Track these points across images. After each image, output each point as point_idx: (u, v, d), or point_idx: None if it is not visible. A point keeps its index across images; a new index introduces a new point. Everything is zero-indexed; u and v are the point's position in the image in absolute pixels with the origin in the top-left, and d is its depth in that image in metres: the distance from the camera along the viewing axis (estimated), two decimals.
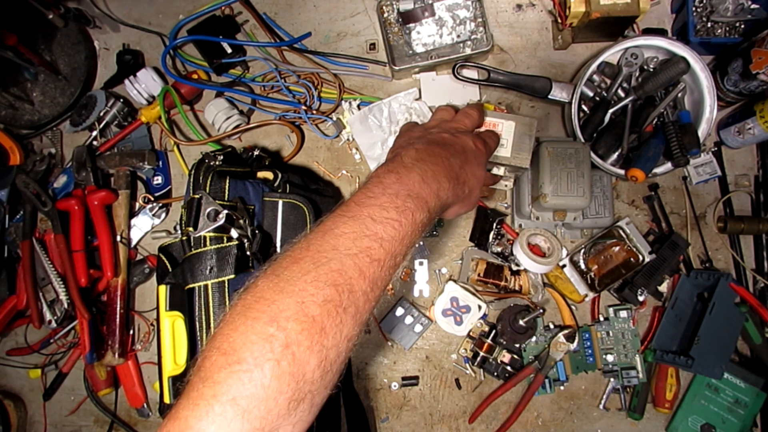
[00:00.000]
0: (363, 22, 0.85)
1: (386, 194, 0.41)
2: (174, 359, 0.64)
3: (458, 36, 0.77)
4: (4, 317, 0.78)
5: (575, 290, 0.75)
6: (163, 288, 0.66)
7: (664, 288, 0.76)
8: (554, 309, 0.78)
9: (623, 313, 0.76)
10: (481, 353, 0.75)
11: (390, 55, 0.78)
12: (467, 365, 0.78)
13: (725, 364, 0.71)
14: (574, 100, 0.73)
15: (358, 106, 0.80)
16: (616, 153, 0.75)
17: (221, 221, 0.60)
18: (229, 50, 0.81)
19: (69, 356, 0.82)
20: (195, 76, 0.82)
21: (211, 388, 0.32)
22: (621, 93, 0.75)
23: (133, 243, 0.82)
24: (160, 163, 0.83)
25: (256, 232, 0.64)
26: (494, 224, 0.76)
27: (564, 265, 0.75)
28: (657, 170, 0.72)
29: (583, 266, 0.75)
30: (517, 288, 0.76)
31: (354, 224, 0.39)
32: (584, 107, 0.77)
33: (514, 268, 0.76)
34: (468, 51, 0.77)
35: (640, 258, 0.73)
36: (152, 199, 0.83)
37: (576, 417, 0.78)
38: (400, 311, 0.78)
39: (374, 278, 0.38)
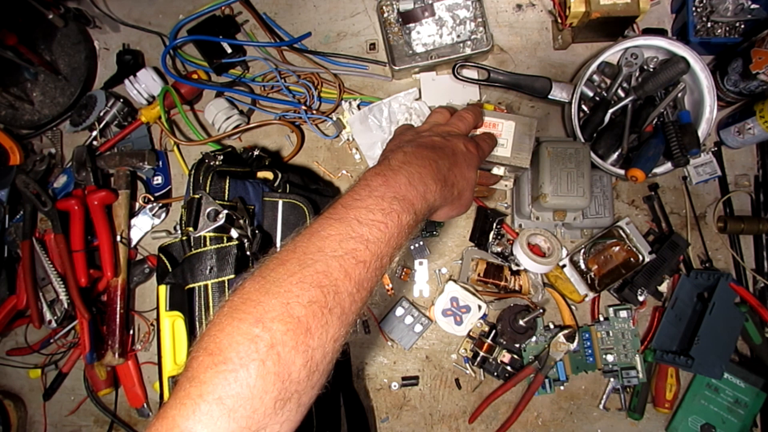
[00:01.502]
0: (363, 22, 0.85)
1: (372, 197, 0.42)
2: (174, 359, 0.64)
3: (458, 36, 0.77)
4: (4, 317, 0.78)
5: (575, 290, 0.75)
6: (163, 288, 0.66)
7: (664, 288, 0.76)
8: (554, 309, 0.78)
9: (623, 313, 0.76)
10: (481, 353, 0.75)
11: (390, 55, 0.78)
12: (467, 365, 0.78)
13: (725, 364, 0.71)
14: (574, 100, 0.73)
15: (358, 106, 0.80)
16: (616, 153, 0.75)
17: (221, 221, 0.60)
18: (229, 50, 0.81)
19: (69, 356, 0.82)
20: (195, 76, 0.82)
21: (197, 387, 0.33)
22: (621, 93, 0.75)
23: (133, 243, 0.82)
24: (160, 163, 0.83)
25: (256, 232, 0.64)
26: (494, 224, 0.76)
27: (564, 265, 0.75)
28: (657, 170, 0.72)
29: (583, 266, 0.75)
30: (517, 288, 0.76)
31: (340, 226, 0.40)
32: (584, 107, 0.77)
33: (514, 268, 0.76)
34: (468, 51, 0.77)
35: (640, 258, 0.73)
36: (152, 199, 0.83)
37: (576, 417, 0.78)
38: (400, 311, 0.78)
39: (360, 280, 0.38)
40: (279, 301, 0.35)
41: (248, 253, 0.63)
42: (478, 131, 0.67)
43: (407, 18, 0.78)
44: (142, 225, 0.82)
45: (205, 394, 0.32)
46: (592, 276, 0.74)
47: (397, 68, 0.78)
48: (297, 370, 0.34)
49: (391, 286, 0.80)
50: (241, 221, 0.63)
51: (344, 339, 0.38)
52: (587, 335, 0.76)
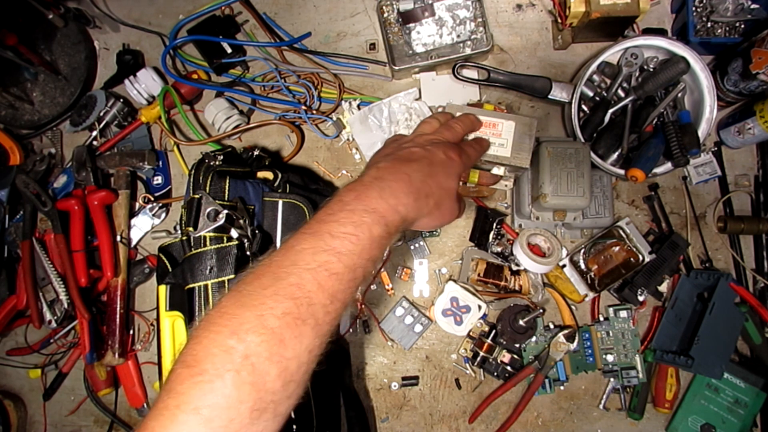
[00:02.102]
0: (363, 22, 0.85)
1: (344, 211, 0.43)
2: (174, 359, 0.64)
3: (458, 36, 0.77)
4: (4, 317, 0.78)
5: (575, 290, 0.75)
6: (163, 288, 0.66)
7: (664, 288, 0.76)
8: (554, 309, 0.78)
9: (623, 313, 0.76)
10: (481, 353, 0.75)
11: (390, 55, 0.78)
12: (467, 365, 0.78)
13: (725, 364, 0.71)
14: (574, 100, 0.73)
15: (358, 106, 0.80)
16: (616, 153, 0.75)
17: (221, 221, 0.60)
18: (229, 50, 0.81)
19: (69, 356, 0.82)
20: (195, 76, 0.82)
21: (174, 398, 0.34)
22: (621, 93, 0.75)
23: (133, 243, 0.82)
24: (160, 163, 0.83)
25: (256, 232, 0.64)
26: (494, 224, 0.76)
27: (564, 265, 0.75)
28: (657, 170, 0.72)
29: (583, 266, 0.75)
30: (517, 288, 0.76)
31: (313, 240, 0.41)
32: (584, 107, 0.77)
33: (514, 268, 0.76)
34: (468, 51, 0.77)
35: (640, 258, 0.73)
36: (152, 199, 0.83)
37: (576, 417, 0.78)
38: (400, 311, 0.78)
39: (333, 291, 0.39)
40: (253, 314, 0.36)
41: (248, 253, 0.63)
42: (477, 133, 0.67)
43: (407, 18, 0.78)
44: (142, 225, 0.82)
45: (183, 405, 0.33)
46: (592, 276, 0.74)
47: (397, 68, 0.78)
48: (272, 380, 0.35)
49: (391, 286, 0.80)
50: (241, 221, 0.63)
51: (320, 350, 0.39)
52: (587, 335, 0.76)
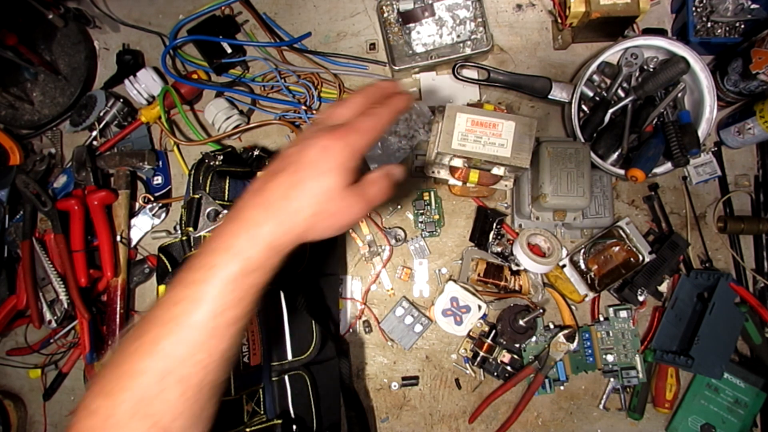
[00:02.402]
0: (363, 22, 0.85)
1: (202, 254, 0.40)
2: None
3: (458, 36, 0.77)
4: (4, 317, 0.78)
5: (575, 290, 0.75)
6: (163, 288, 0.66)
7: (664, 288, 0.76)
8: (554, 309, 0.78)
9: (623, 313, 0.76)
10: (481, 353, 0.75)
11: (390, 55, 0.78)
12: (467, 365, 0.78)
13: (725, 364, 0.71)
14: (574, 100, 0.73)
15: None
16: (616, 153, 0.75)
17: (221, 221, 0.60)
18: (229, 50, 0.81)
19: (69, 356, 0.82)
20: (195, 76, 0.82)
21: None
22: (621, 93, 0.75)
23: (133, 243, 0.82)
24: (160, 163, 0.83)
25: None
26: (494, 224, 0.76)
27: (564, 265, 0.75)
28: (657, 170, 0.72)
29: (583, 266, 0.75)
30: (517, 288, 0.76)
31: (172, 291, 0.39)
32: (584, 107, 0.77)
33: (514, 268, 0.76)
34: (468, 51, 0.77)
35: (640, 258, 0.73)
36: (152, 199, 0.83)
37: (576, 417, 0.78)
38: (400, 311, 0.78)
39: (195, 342, 0.38)
40: (117, 373, 0.37)
41: None
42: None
43: (407, 18, 0.78)
44: (142, 225, 0.82)
45: None
46: (592, 276, 0.74)
47: (397, 68, 0.78)
48: None
49: (391, 286, 0.80)
50: None
51: (201, 395, 0.38)
52: (587, 335, 0.76)
